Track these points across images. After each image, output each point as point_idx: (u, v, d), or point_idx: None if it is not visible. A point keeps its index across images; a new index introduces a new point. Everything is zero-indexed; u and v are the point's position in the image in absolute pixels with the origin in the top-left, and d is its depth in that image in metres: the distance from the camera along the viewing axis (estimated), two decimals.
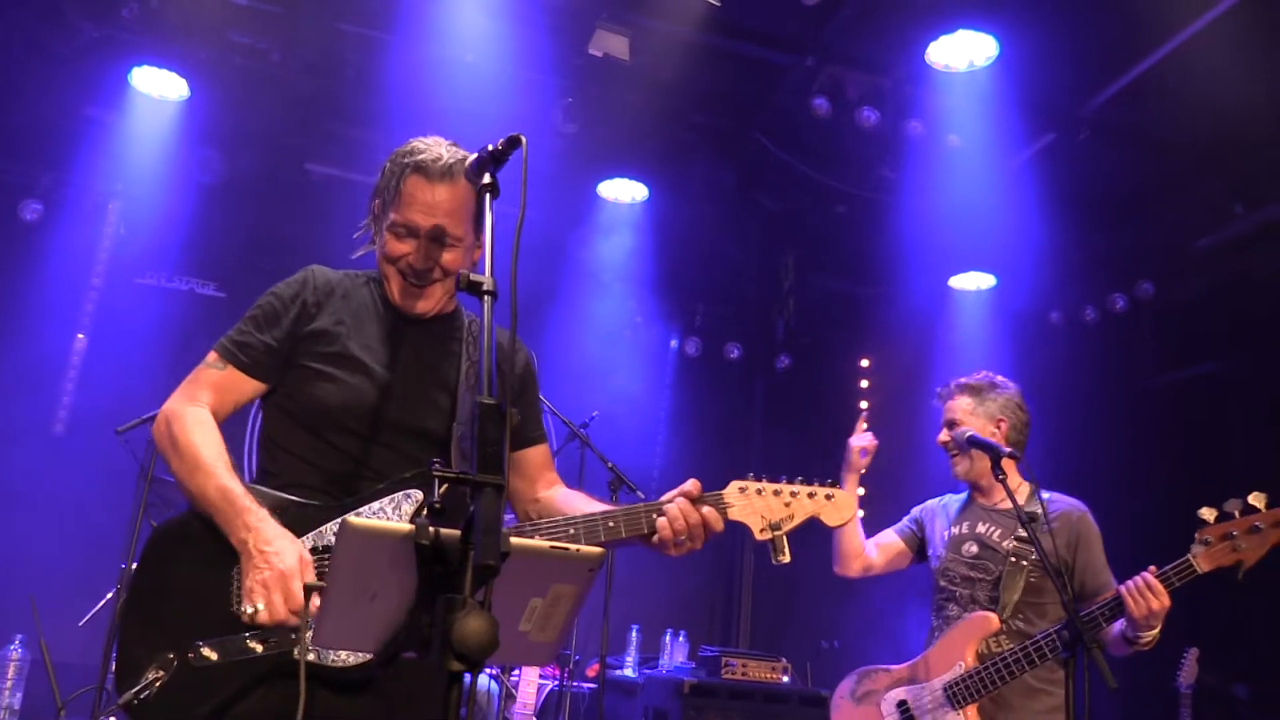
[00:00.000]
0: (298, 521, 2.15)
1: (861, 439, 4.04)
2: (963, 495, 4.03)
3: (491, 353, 1.63)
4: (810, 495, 2.42)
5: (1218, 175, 6.69)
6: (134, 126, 6.77)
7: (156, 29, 6.02)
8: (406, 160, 2.34)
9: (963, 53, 5.78)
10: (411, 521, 2.06)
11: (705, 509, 2.28)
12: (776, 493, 2.39)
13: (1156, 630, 3.35)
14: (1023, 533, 3.59)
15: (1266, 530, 3.24)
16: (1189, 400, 7.50)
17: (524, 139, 1.91)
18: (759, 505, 2.38)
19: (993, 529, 3.77)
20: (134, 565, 2.23)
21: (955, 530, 3.88)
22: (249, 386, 2.36)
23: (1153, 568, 3.34)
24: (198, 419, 2.26)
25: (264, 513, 2.08)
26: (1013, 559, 3.66)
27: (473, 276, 1.71)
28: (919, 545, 4.10)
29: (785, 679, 5.89)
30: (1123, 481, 7.52)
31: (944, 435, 3.92)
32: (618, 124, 6.58)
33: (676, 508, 2.25)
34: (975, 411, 3.87)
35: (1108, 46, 5.80)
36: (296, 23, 6.05)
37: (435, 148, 2.35)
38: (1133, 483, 7.46)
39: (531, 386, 2.61)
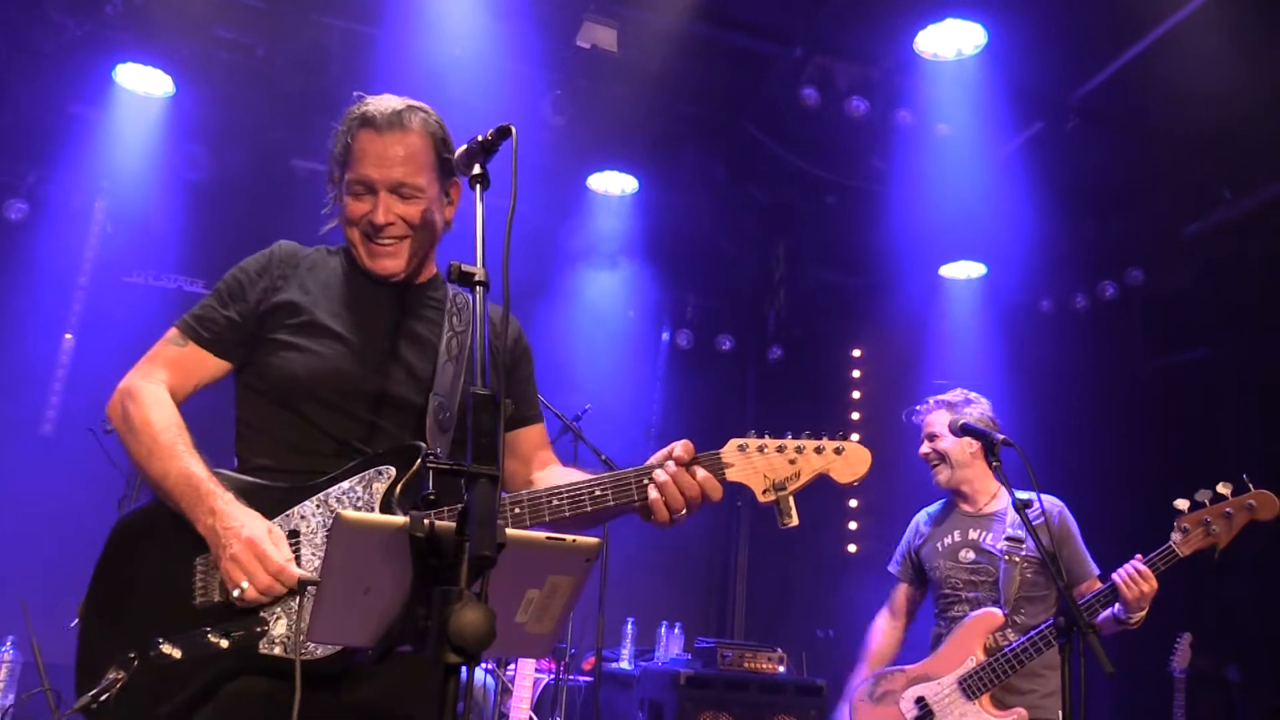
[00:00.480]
0: (264, 505, 2.05)
1: None
2: (938, 506, 4.32)
3: (485, 342, 1.61)
4: (818, 450, 2.16)
5: (1206, 161, 6.70)
6: (119, 124, 6.73)
7: (140, 25, 5.98)
8: (352, 119, 2.26)
9: (951, 42, 5.78)
10: (386, 502, 2.03)
11: (700, 473, 2.08)
12: (780, 449, 2.15)
13: (1145, 611, 3.67)
14: (1011, 532, 3.93)
15: (1236, 515, 3.61)
16: (1180, 386, 7.53)
17: (514, 129, 1.89)
18: (760, 464, 2.15)
19: (983, 533, 4.04)
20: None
21: (949, 540, 4.13)
22: (211, 364, 2.25)
23: (1139, 556, 3.65)
24: (154, 396, 2.16)
25: (229, 496, 2.00)
26: (1006, 557, 3.92)
27: (464, 267, 1.69)
28: (922, 577, 4.33)
29: (781, 669, 5.89)
30: (1114, 467, 7.54)
31: (925, 448, 4.21)
32: (607, 116, 6.56)
33: (669, 477, 2.06)
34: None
35: (1095, 35, 5.80)
36: (281, 18, 6.02)
37: (381, 100, 2.29)
38: (1124, 468, 7.48)
39: (524, 363, 2.47)
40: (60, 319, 7.21)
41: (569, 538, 1.56)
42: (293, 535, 2.04)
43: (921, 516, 4.38)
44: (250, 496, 2.06)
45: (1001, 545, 3.94)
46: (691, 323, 8.70)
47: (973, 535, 4.06)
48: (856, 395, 8.97)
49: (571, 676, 6.33)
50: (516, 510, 2.06)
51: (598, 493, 2.08)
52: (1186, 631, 5.85)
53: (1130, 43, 5.84)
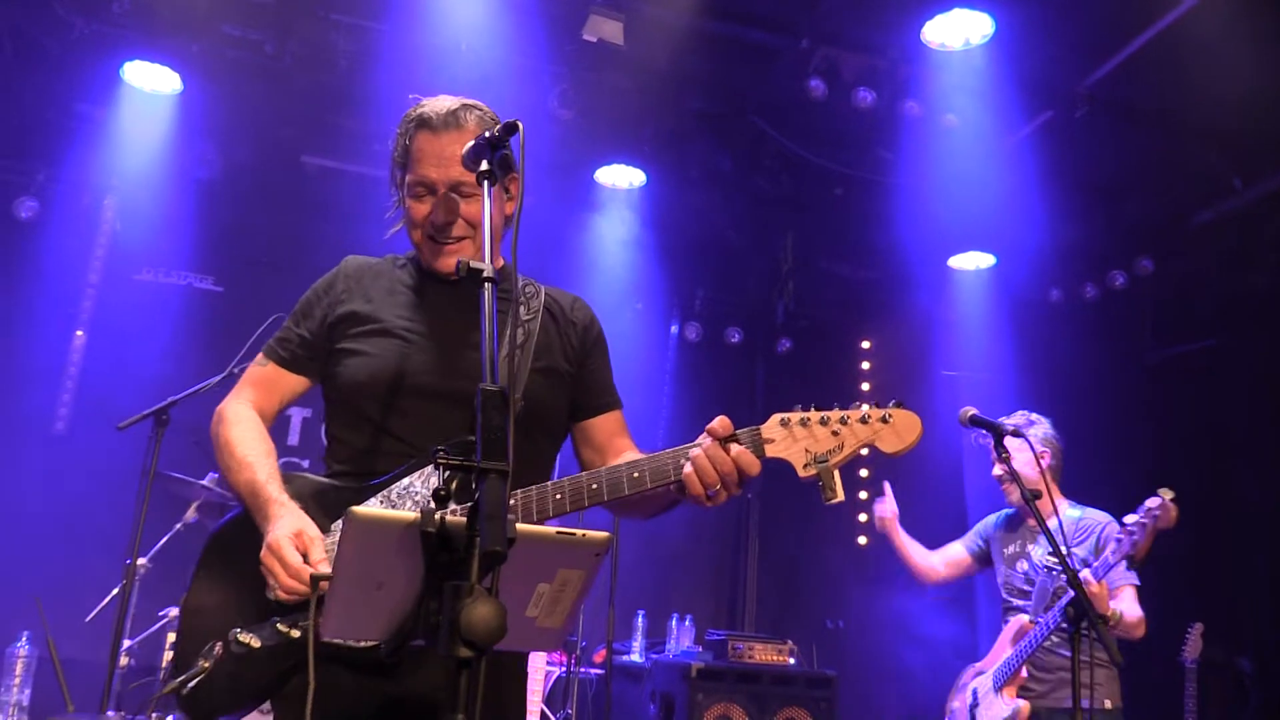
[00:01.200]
0: (335, 504, 2.15)
1: (884, 509, 4.83)
2: (1008, 513, 4.80)
3: (494, 339, 1.62)
4: (863, 420, 2.02)
5: (1216, 150, 6.67)
6: (128, 121, 6.73)
7: (148, 22, 5.99)
8: (411, 119, 2.33)
9: (958, 31, 5.75)
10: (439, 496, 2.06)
11: (736, 450, 1.99)
12: (823, 421, 2.02)
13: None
14: (1034, 552, 4.50)
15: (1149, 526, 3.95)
16: (1190, 375, 7.51)
17: (520, 125, 1.90)
18: (802, 438, 2.02)
19: (1038, 547, 4.52)
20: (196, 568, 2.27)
21: (1011, 549, 4.66)
22: (291, 381, 2.39)
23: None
24: (238, 415, 2.30)
25: (291, 505, 2.10)
26: (1046, 570, 4.45)
27: (473, 264, 1.70)
28: (986, 558, 4.88)
29: (792, 660, 5.91)
30: (1125, 456, 7.53)
31: (999, 469, 4.42)
32: (614, 110, 6.56)
33: (703, 453, 1.99)
34: (1021, 445, 4.13)
35: (1104, 23, 5.77)
36: (289, 14, 6.03)
37: (437, 101, 2.33)
38: (1135, 456, 7.47)
39: (597, 352, 2.49)
40: (71, 316, 7.25)
41: (579, 532, 1.57)
42: None
43: (994, 518, 4.87)
44: (322, 497, 2.18)
45: (1051, 559, 4.34)
46: (700, 315, 8.70)
47: (1029, 548, 4.55)
48: (866, 387, 8.96)
49: (583, 669, 6.35)
50: (558, 496, 2.07)
51: (635, 475, 2.05)
52: (1197, 622, 5.84)
53: (1140, 30, 5.80)
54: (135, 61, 6.37)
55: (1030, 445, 4.00)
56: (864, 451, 2.06)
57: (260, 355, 2.42)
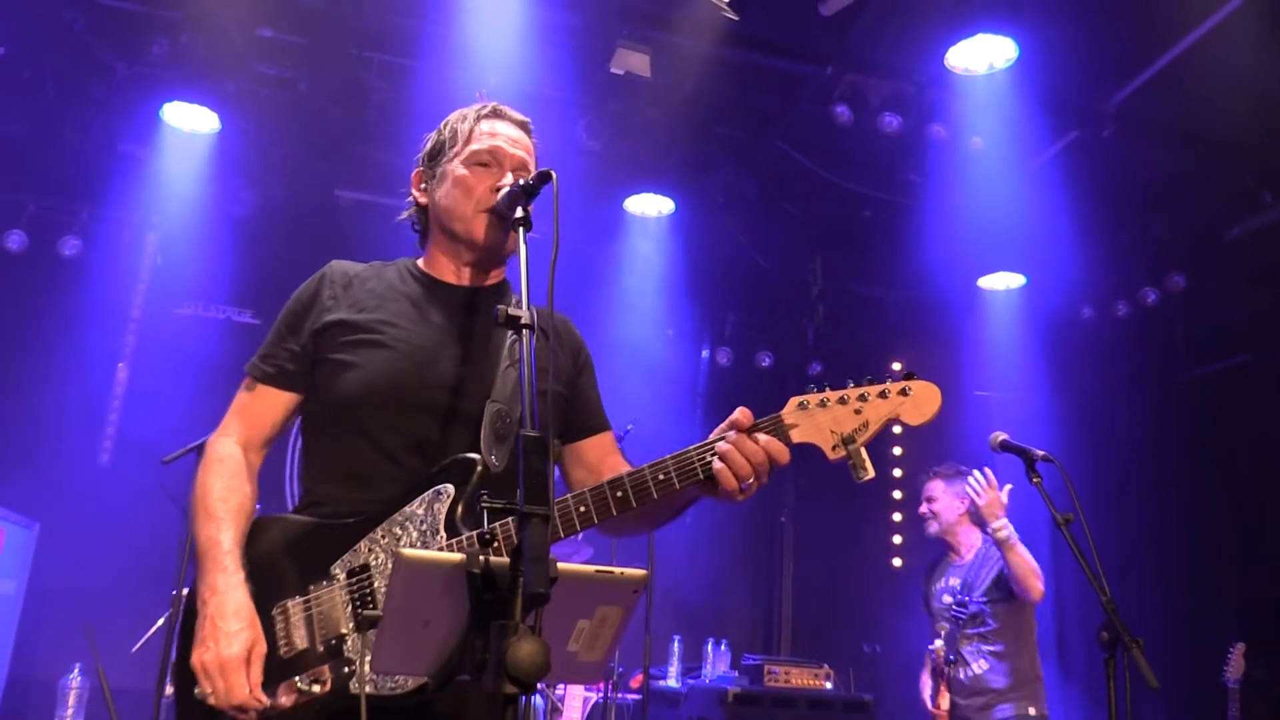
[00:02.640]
0: (326, 546, 2.07)
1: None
2: (932, 558, 5.43)
3: (532, 382, 1.66)
4: (883, 395, 2.01)
5: (1246, 164, 6.65)
6: (167, 160, 6.91)
7: (186, 65, 6.14)
8: (481, 110, 2.34)
9: (982, 56, 5.79)
10: (449, 522, 2.04)
11: (763, 438, 1.98)
12: (843, 400, 2.01)
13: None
14: (953, 581, 5.10)
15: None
16: (1224, 392, 7.46)
17: (554, 174, 1.94)
18: (825, 420, 2.00)
19: (956, 580, 5.09)
20: (179, 620, 2.12)
21: (937, 585, 5.23)
22: (281, 399, 2.25)
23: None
24: (216, 457, 2.19)
25: (239, 577, 2.01)
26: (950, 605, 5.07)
27: (510, 310, 1.74)
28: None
29: (828, 685, 5.91)
30: (1160, 474, 7.48)
31: (923, 508, 5.34)
32: (641, 139, 6.64)
33: (730, 445, 1.95)
34: (947, 491, 5.23)
35: (1128, 42, 5.80)
36: (322, 53, 6.17)
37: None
38: (1169, 475, 7.42)
39: (587, 373, 2.44)
40: (114, 350, 7.42)
41: (617, 570, 1.62)
42: (363, 570, 2.04)
43: (934, 563, 5.43)
44: (311, 540, 2.09)
45: (945, 600, 5.08)
46: (730, 340, 8.73)
47: (952, 582, 5.11)
48: (907, 425, 8.93)
49: (620, 695, 6.38)
50: (582, 509, 2.00)
51: (661, 477, 1.99)
52: (1239, 641, 5.79)
53: (1164, 49, 5.82)
54: (174, 102, 6.55)
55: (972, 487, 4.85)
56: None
57: (246, 379, 2.27)
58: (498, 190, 2.19)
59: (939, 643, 5.03)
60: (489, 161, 2.26)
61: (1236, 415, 7.28)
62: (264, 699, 1.93)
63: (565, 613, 1.62)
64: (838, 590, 8.70)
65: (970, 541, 5.20)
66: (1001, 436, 3.68)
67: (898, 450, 8.64)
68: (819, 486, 8.50)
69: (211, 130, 6.77)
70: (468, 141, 2.28)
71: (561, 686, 5.93)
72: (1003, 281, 8.16)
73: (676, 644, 6.89)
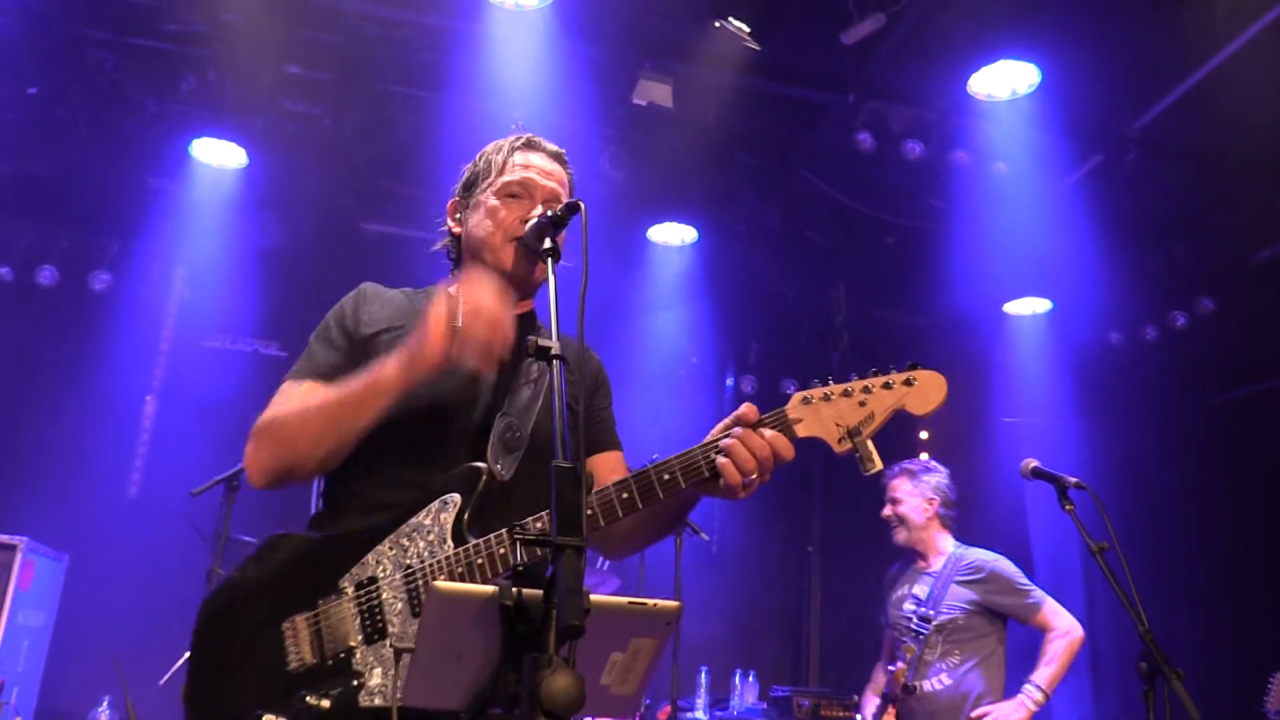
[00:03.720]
0: (335, 560, 2.07)
1: None
2: (896, 566, 4.95)
3: (564, 414, 1.66)
4: (886, 386, 2.02)
5: (1272, 187, 6.60)
6: (196, 195, 6.99)
7: (214, 101, 6.23)
8: (515, 141, 2.38)
9: (1005, 81, 5.78)
10: (456, 531, 2.04)
11: (768, 433, 1.99)
12: (847, 393, 2.02)
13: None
14: (919, 590, 4.66)
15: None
16: (1257, 415, 7.36)
17: (583, 205, 1.96)
18: (829, 413, 2.00)
19: (921, 586, 4.68)
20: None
21: (898, 593, 4.81)
22: None
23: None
24: (280, 404, 2.19)
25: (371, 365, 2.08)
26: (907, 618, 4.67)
27: (541, 342, 1.75)
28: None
29: (858, 717, 5.83)
30: (1193, 500, 7.38)
31: (887, 510, 4.82)
32: (664, 169, 6.66)
33: (736, 440, 1.96)
34: (914, 491, 4.76)
35: (1150, 67, 5.78)
36: (348, 88, 6.23)
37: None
38: (1203, 501, 7.32)
39: (602, 392, 2.49)
40: (143, 383, 7.49)
41: (650, 601, 1.61)
42: (370, 582, 2.05)
43: (898, 572, 4.98)
44: (320, 555, 2.09)
45: (908, 609, 4.66)
46: (755, 368, 8.71)
47: (917, 590, 4.69)
48: (924, 435, 8.88)
49: None
50: (589, 513, 1.98)
51: (666, 477, 1.99)
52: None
53: (1188, 72, 5.80)
54: (203, 138, 6.63)
55: (933, 488, 4.67)
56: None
57: (288, 383, 2.25)
58: (526, 221, 2.22)
59: (902, 665, 4.57)
60: (519, 193, 2.31)
61: (1270, 439, 7.19)
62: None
63: (598, 645, 1.61)
64: (866, 621, 8.60)
65: (941, 547, 4.75)
66: (1033, 464, 3.64)
67: None
68: (847, 517, 8.43)
69: (239, 165, 6.85)
70: (500, 173, 2.33)
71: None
72: (1029, 307, 8.10)
73: (704, 675, 6.84)
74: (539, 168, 2.34)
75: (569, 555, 1.44)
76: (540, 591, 1.47)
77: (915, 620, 4.60)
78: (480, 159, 2.40)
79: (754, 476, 1.97)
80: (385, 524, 2.09)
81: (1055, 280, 7.62)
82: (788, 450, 2.00)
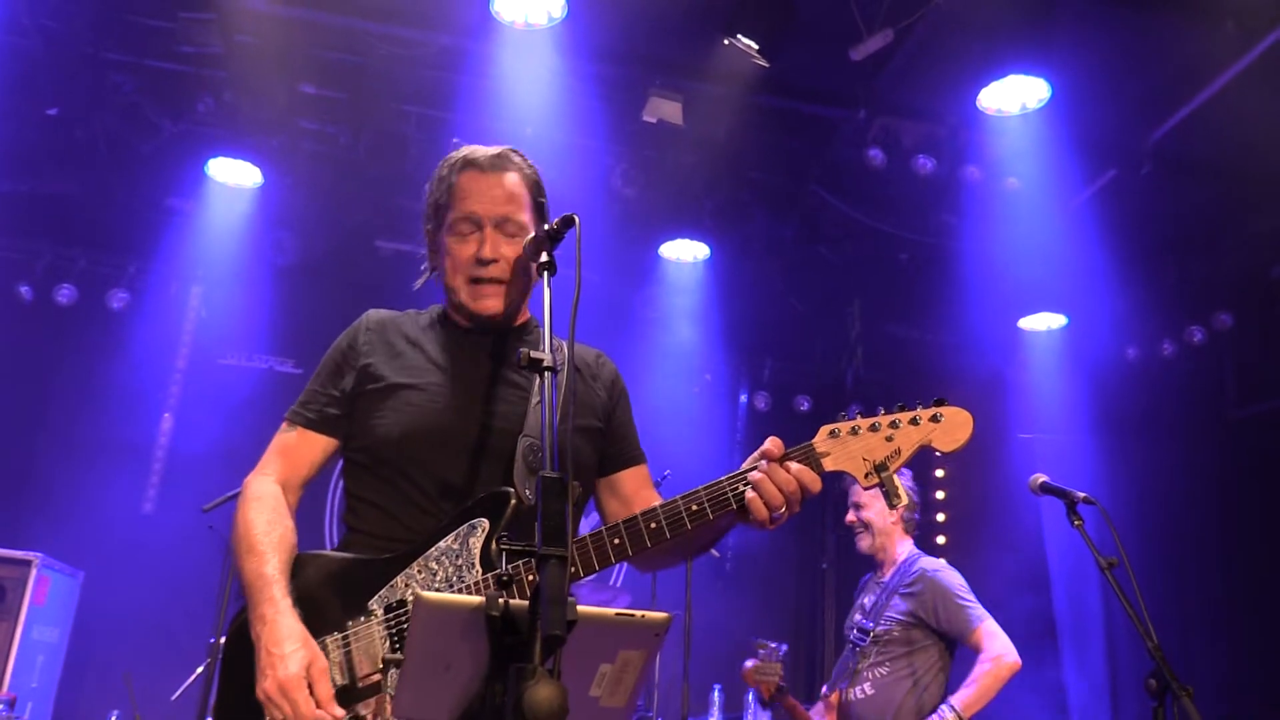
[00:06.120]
0: (363, 581, 2.09)
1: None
2: (865, 578, 4.81)
3: (554, 424, 1.66)
4: (914, 422, 2.03)
5: None
6: (212, 214, 7.07)
7: (230, 121, 6.31)
8: (453, 162, 2.35)
9: (1015, 96, 5.77)
10: (484, 556, 2.05)
11: (795, 467, 2.00)
12: (874, 428, 2.02)
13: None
14: (867, 601, 4.58)
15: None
16: (1276, 431, 7.29)
17: (577, 218, 1.95)
18: (857, 448, 2.01)
19: (870, 599, 4.59)
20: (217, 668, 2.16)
21: (856, 604, 4.73)
22: (320, 443, 2.33)
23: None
24: (256, 494, 2.24)
25: (286, 604, 2.02)
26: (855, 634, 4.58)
27: (533, 354, 1.75)
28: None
29: None
30: (1212, 516, 7.31)
31: (850, 516, 4.63)
32: (675, 186, 6.69)
33: (763, 474, 1.98)
34: (878, 494, 4.44)
35: (1162, 81, 5.76)
36: (362, 108, 6.30)
37: (478, 147, 2.37)
38: (1222, 517, 7.24)
39: (622, 406, 2.48)
40: (160, 400, 7.54)
41: (638, 613, 1.61)
42: (400, 605, 2.07)
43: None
44: (348, 576, 2.12)
45: (856, 619, 4.59)
46: (768, 385, 8.69)
47: (866, 600, 4.62)
48: (939, 452, 8.84)
49: None
50: (616, 541, 2.02)
51: (694, 507, 2.02)
52: None
53: (1202, 85, 5.77)
54: (219, 158, 6.71)
55: (909, 492, 4.49)
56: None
57: (284, 424, 2.35)
58: (479, 258, 2.27)
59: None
60: (467, 231, 2.31)
61: None
62: (339, 712, 1.94)
63: (586, 656, 1.61)
64: None
65: (897, 554, 4.57)
66: (1041, 478, 3.61)
67: (940, 494, 8.52)
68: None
69: (255, 184, 6.92)
70: (449, 206, 2.33)
71: None
72: (1044, 322, 8.06)
73: (717, 694, 6.79)
74: (480, 192, 2.29)
75: (553, 565, 1.44)
76: (527, 603, 1.47)
77: (855, 632, 4.55)
78: (432, 187, 2.41)
79: (781, 510, 1.98)
80: (414, 548, 2.12)
81: (1070, 296, 7.58)
82: (815, 484, 2.01)
